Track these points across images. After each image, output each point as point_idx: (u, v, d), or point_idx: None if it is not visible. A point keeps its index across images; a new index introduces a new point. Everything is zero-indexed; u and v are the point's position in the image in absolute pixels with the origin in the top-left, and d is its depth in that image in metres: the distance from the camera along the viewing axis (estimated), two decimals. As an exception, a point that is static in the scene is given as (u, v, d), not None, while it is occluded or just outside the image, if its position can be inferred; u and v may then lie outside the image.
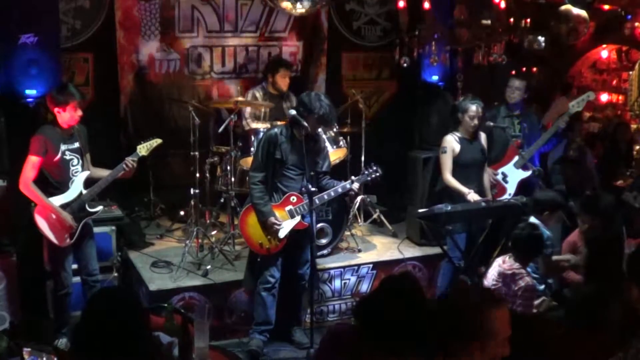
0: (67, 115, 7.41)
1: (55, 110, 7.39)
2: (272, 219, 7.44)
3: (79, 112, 7.50)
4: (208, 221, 9.63)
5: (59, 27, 9.06)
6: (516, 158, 9.11)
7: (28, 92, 8.12)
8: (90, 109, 9.96)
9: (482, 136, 8.70)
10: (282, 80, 10.03)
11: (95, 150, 8.18)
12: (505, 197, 8.87)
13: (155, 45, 10.52)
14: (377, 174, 7.83)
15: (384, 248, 9.69)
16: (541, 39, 10.93)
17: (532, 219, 7.91)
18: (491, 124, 8.95)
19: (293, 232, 7.57)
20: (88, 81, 10.21)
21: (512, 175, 9.10)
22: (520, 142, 9.21)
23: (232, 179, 9.29)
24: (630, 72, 10.69)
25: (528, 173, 9.13)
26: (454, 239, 8.24)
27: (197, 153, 9.28)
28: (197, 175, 9.31)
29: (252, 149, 9.17)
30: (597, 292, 5.56)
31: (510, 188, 9.08)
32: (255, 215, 7.55)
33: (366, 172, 7.85)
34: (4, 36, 8.35)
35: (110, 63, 10.30)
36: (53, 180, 7.45)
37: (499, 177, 9.11)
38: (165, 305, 5.80)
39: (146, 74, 10.56)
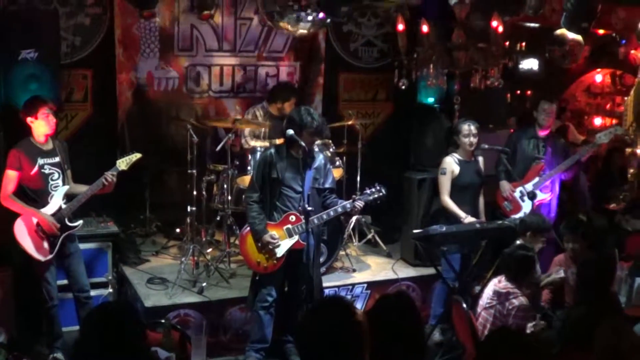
0: (41, 123, 7.48)
1: (28, 120, 7.47)
2: (267, 237, 7.45)
3: (53, 119, 7.57)
4: (204, 239, 9.66)
5: (59, 43, 9.13)
6: (537, 179, 9.18)
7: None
8: (88, 125, 10.09)
9: (480, 159, 8.80)
10: (289, 108, 9.99)
11: (91, 167, 8.24)
12: (520, 215, 8.90)
13: (154, 63, 10.56)
14: (381, 194, 7.80)
15: (379, 268, 9.74)
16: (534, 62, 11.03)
17: (518, 241, 7.97)
18: (486, 146, 8.99)
19: (292, 251, 7.57)
20: (87, 97, 10.24)
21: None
22: (543, 165, 9.26)
23: (229, 197, 9.31)
24: (626, 97, 10.76)
25: (547, 195, 9.21)
26: (448, 260, 8.30)
27: (194, 171, 9.30)
28: (194, 193, 9.34)
29: (249, 167, 9.23)
30: (590, 314, 5.62)
31: (526, 207, 9.12)
32: (251, 234, 7.59)
33: (368, 192, 7.83)
34: (4, 51, 8.42)
35: (109, 80, 10.32)
36: (31, 193, 7.52)
37: (517, 194, 9.17)
38: (163, 321, 5.86)
39: (145, 92, 10.59)
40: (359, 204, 7.68)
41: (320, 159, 7.72)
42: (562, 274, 7.87)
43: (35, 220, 7.47)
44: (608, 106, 13.39)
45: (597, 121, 13.09)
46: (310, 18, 9.04)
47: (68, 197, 7.64)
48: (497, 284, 7.20)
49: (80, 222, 7.85)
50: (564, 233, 8.22)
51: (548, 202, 9.34)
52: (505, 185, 9.23)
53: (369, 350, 4.00)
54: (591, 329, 5.31)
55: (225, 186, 9.32)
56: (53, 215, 7.52)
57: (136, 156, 7.82)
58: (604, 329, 5.11)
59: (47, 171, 7.55)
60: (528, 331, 6.94)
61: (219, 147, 9.23)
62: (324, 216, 7.59)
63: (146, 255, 9.72)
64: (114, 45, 10.23)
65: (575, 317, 5.90)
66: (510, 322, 6.90)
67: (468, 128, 8.55)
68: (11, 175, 7.42)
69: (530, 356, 4.32)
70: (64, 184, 7.66)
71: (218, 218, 9.72)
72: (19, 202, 7.43)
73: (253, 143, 9.78)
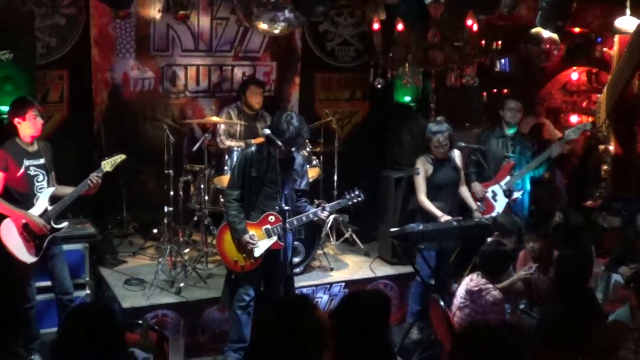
0: (28, 125, 7.42)
1: (16, 121, 7.41)
2: (247, 238, 7.44)
3: (40, 120, 7.51)
4: (181, 239, 9.63)
5: (35, 44, 9.07)
6: (508, 178, 9.22)
7: (2, 108, 8.08)
8: (64, 126, 10.05)
9: (456, 154, 8.83)
10: (253, 98, 10.08)
11: (68, 167, 8.23)
12: (492, 215, 8.95)
13: (130, 64, 10.53)
14: (360, 199, 7.83)
15: (356, 267, 9.76)
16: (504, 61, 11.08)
17: (489, 239, 8.02)
18: (462, 144, 9.04)
19: (269, 250, 7.56)
20: (63, 98, 10.19)
21: (502, 195, 9.17)
22: (514, 163, 9.29)
23: (206, 198, 9.30)
24: (599, 95, 10.83)
25: (518, 193, 9.25)
26: (425, 258, 8.33)
27: (171, 171, 9.30)
28: (171, 193, 9.34)
29: (225, 167, 9.23)
30: (567, 311, 5.66)
31: (499, 207, 9.18)
32: (230, 233, 7.59)
33: (347, 197, 7.83)
34: (-21, 53, 8.39)
35: (85, 80, 10.27)
36: (17, 195, 7.45)
37: (489, 194, 9.22)
38: (140, 322, 5.85)
39: (121, 92, 10.55)
40: (324, 214, 7.71)
41: (299, 160, 7.72)
42: (531, 270, 7.84)
43: (22, 222, 7.44)
44: (584, 104, 13.45)
45: (574, 119, 13.14)
46: (286, 17, 9.03)
47: (52, 199, 7.61)
48: (469, 282, 7.22)
49: (66, 223, 7.81)
50: (525, 232, 8.25)
51: (520, 200, 9.37)
52: (477, 186, 9.25)
53: (330, 350, 4.03)
54: (568, 326, 5.36)
55: (202, 186, 9.31)
56: (39, 217, 7.49)
57: (121, 157, 7.81)
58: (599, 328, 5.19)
59: (32, 173, 7.50)
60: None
61: (195, 147, 9.22)
62: (295, 222, 7.58)
63: (123, 256, 9.70)
64: (89, 45, 10.18)
65: (552, 314, 5.94)
66: (491, 317, 6.92)
67: (437, 140, 8.56)
68: None
69: (505, 349, 4.34)
70: (48, 186, 7.62)
71: (195, 218, 9.72)
72: (6, 203, 7.36)
73: (228, 143, 9.79)
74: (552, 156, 9.37)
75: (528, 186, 9.55)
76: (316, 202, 9.05)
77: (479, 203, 9.14)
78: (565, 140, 9.45)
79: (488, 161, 9.22)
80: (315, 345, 3.98)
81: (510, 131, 9.50)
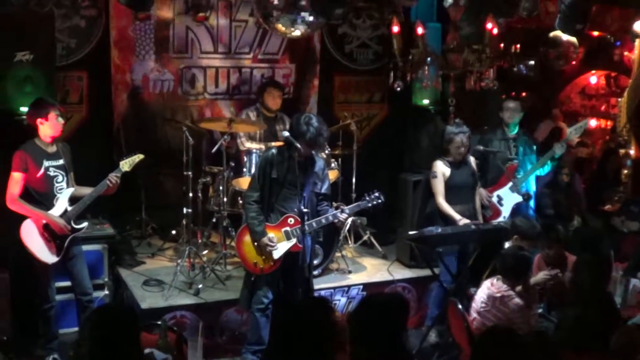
0: (50, 125, 7.44)
1: (38, 121, 7.42)
2: (265, 240, 7.43)
3: (61, 121, 7.54)
4: (200, 241, 9.66)
5: (55, 45, 9.09)
6: (512, 180, 9.20)
7: (22, 109, 8.08)
8: (84, 127, 10.09)
9: (472, 159, 8.82)
10: (270, 99, 10.08)
11: (88, 169, 8.23)
12: (500, 219, 8.94)
13: (150, 65, 10.57)
14: (379, 202, 7.83)
15: (374, 269, 9.75)
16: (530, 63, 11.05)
17: (507, 243, 8.01)
18: (481, 148, 9.07)
19: (288, 253, 7.55)
20: (82, 100, 10.24)
21: (508, 198, 9.18)
22: (517, 165, 9.28)
23: (225, 199, 9.29)
24: (619, 99, 10.78)
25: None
26: (443, 261, 8.32)
27: (190, 173, 9.34)
28: (190, 194, 9.37)
29: (244, 169, 9.23)
30: (585, 315, 5.64)
31: (505, 211, 9.18)
32: (249, 235, 7.59)
33: (367, 199, 7.84)
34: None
35: (104, 82, 10.32)
36: (37, 195, 7.47)
37: (494, 199, 9.20)
38: (159, 322, 5.85)
39: (140, 94, 10.58)
40: (343, 216, 7.70)
41: (320, 164, 7.72)
42: (554, 272, 7.81)
43: (43, 223, 7.46)
44: (603, 108, 13.41)
45: (592, 123, 13.11)
46: (305, 20, 9.04)
47: (71, 199, 7.63)
48: (490, 287, 7.18)
49: (86, 223, 7.80)
50: (519, 237, 8.23)
51: (526, 202, 9.35)
52: (482, 192, 9.20)
53: (345, 353, 4.05)
54: (587, 331, 5.34)
55: (221, 188, 9.31)
56: (59, 217, 7.50)
57: (139, 157, 7.84)
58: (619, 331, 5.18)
59: (52, 173, 7.51)
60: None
61: (214, 149, 9.20)
62: (314, 224, 7.55)
63: (142, 257, 9.72)
64: (109, 47, 10.23)
65: (570, 319, 5.92)
66: (512, 324, 6.89)
67: (460, 141, 8.56)
68: (17, 177, 7.36)
69: (524, 354, 4.34)
70: (68, 186, 7.64)
71: (214, 220, 9.73)
72: (26, 205, 7.37)
73: (248, 145, 9.79)
74: (555, 156, 9.33)
75: (533, 187, 9.54)
76: (334, 204, 9.06)
77: (484, 209, 9.14)
78: (567, 139, 9.43)
79: (489, 165, 9.23)
80: (329, 347, 4.00)
81: (512, 132, 9.48)
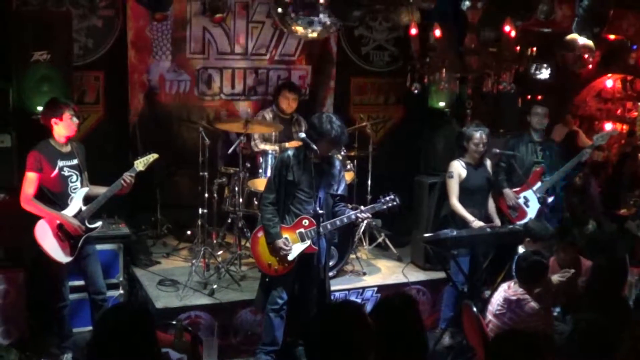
0: (65, 125, 7.46)
1: (53, 122, 7.44)
2: (280, 242, 7.44)
3: (76, 120, 7.56)
4: (215, 241, 9.68)
5: (72, 45, 9.12)
6: (539, 184, 9.21)
7: (39, 108, 8.07)
8: (100, 127, 10.13)
9: (488, 163, 8.83)
10: (285, 102, 10.12)
11: (103, 168, 8.27)
12: (525, 221, 8.92)
13: (166, 66, 10.59)
14: (395, 203, 7.79)
15: (389, 272, 9.76)
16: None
17: (520, 247, 8.00)
18: (497, 150, 9.05)
19: (303, 254, 7.55)
20: (99, 99, 10.28)
21: (534, 200, 9.16)
22: (544, 168, 9.28)
23: (240, 200, 9.31)
24: (639, 103, 10.76)
25: (550, 199, 9.22)
26: (458, 264, 8.31)
27: (205, 173, 9.37)
28: (205, 195, 9.40)
29: (260, 170, 9.26)
30: (600, 319, 5.63)
31: (531, 213, 9.18)
32: (264, 237, 7.60)
33: (382, 200, 7.81)
34: (17, 53, 8.46)
35: (121, 82, 10.35)
36: (51, 195, 7.48)
37: (521, 200, 9.21)
38: (174, 322, 5.87)
39: (156, 94, 10.61)
40: (364, 215, 7.70)
41: (337, 165, 7.73)
42: (568, 274, 7.78)
43: (57, 223, 7.48)
44: (619, 112, 13.39)
45: (608, 126, 13.07)
46: (322, 22, 9.04)
47: (86, 199, 7.65)
48: (506, 290, 7.17)
49: (100, 223, 7.82)
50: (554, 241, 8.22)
51: (552, 205, 9.34)
52: (509, 193, 9.23)
53: (375, 352, 4.05)
54: (601, 335, 5.33)
55: (236, 189, 9.33)
56: (74, 217, 7.53)
57: (153, 156, 7.83)
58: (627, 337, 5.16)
59: (66, 173, 7.53)
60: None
61: (230, 150, 9.21)
62: (329, 226, 7.54)
63: (157, 257, 9.75)
64: (126, 47, 10.26)
65: (585, 323, 5.91)
66: (529, 328, 6.87)
67: (480, 137, 8.57)
68: (32, 177, 7.37)
69: (539, 356, 4.34)
70: (82, 186, 7.66)
71: (229, 220, 9.74)
72: (41, 205, 7.39)
73: (262, 146, 9.81)
74: (582, 161, 9.33)
75: (560, 191, 9.53)
76: (350, 206, 9.06)
77: (510, 210, 9.14)
78: (594, 146, 9.44)
79: (517, 166, 9.21)
80: (366, 349, 4.00)
81: (538, 137, 9.47)
